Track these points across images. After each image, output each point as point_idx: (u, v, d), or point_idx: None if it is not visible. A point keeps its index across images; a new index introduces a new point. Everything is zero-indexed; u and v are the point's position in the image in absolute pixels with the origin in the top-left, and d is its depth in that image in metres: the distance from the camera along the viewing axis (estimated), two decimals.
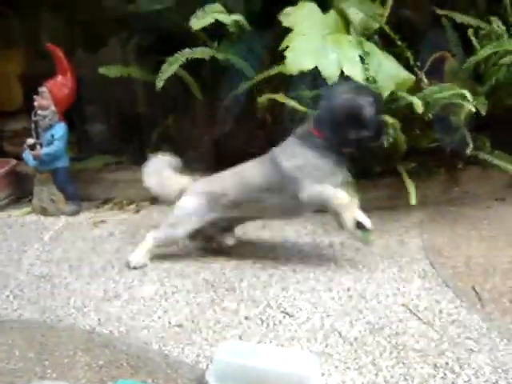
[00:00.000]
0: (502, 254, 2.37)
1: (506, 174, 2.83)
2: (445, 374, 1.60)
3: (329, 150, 2.15)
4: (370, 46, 2.57)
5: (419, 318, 1.88)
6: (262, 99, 2.66)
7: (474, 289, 2.07)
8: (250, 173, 2.27)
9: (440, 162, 2.93)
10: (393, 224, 2.70)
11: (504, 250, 2.41)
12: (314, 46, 2.45)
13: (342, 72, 2.37)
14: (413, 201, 2.54)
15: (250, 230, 2.57)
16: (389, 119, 2.46)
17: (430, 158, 2.88)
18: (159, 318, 1.94)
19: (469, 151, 2.61)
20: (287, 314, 1.93)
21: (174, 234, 2.35)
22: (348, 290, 2.09)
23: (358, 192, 2.35)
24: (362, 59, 2.46)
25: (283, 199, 2.21)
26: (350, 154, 2.21)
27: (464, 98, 2.44)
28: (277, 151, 2.23)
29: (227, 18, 2.68)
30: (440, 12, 2.88)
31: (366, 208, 2.64)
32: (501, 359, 1.67)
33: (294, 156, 2.17)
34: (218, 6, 2.70)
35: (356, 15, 2.70)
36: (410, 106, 2.45)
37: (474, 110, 2.47)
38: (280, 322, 1.88)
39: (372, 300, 2.01)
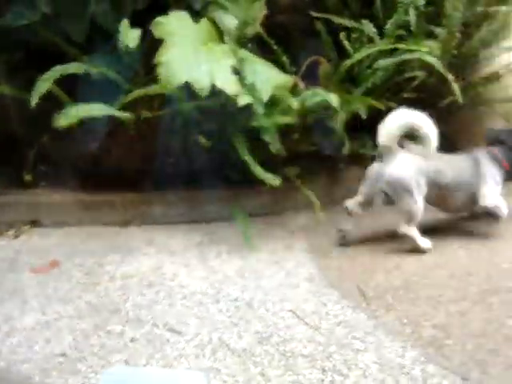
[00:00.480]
0: (384, 250, 2.44)
1: None
2: (333, 377, 1.61)
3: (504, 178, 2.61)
4: (244, 54, 2.57)
5: (306, 323, 1.89)
6: (128, 117, 2.60)
7: (358, 287, 2.11)
8: (462, 164, 2.56)
9: (322, 164, 2.97)
10: (279, 229, 2.71)
11: (385, 246, 2.47)
12: (186, 58, 2.41)
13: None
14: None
15: (136, 247, 2.50)
16: (265, 123, 2.47)
17: (312, 162, 2.92)
18: (41, 348, 1.84)
19: (346, 151, 2.67)
20: (174, 331, 1.88)
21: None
22: (236, 300, 2.07)
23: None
24: (235, 69, 2.44)
25: (465, 196, 2.54)
26: None
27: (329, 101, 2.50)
28: (478, 155, 2.59)
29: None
30: (315, 14, 2.92)
31: (251, 214, 2.67)
32: (387, 356, 1.70)
33: (492, 167, 2.56)
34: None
35: (231, 22, 2.70)
36: (288, 109, 2.49)
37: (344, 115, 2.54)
38: (167, 340, 1.83)
39: (260, 308, 2.00)
